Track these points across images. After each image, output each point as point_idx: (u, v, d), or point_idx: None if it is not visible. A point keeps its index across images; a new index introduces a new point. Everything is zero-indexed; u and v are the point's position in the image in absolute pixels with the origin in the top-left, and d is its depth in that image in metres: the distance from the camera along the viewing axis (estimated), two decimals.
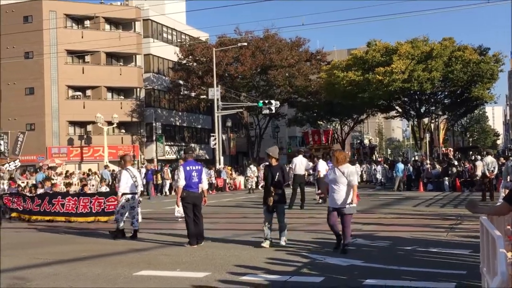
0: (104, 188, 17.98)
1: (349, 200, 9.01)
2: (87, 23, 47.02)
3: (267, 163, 10.26)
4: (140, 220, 12.45)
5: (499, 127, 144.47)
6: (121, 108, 46.42)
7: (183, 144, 51.16)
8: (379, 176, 33.30)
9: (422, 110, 46.06)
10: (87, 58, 46.58)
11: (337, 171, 9.18)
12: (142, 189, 12.84)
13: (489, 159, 20.15)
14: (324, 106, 50.71)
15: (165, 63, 51.71)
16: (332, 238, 9.45)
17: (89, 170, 35.53)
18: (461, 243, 9.75)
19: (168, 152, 49.52)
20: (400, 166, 29.21)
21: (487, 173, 19.77)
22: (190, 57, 47.67)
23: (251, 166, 34.21)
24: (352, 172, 9.20)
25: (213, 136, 40.59)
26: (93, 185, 27.12)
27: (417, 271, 7.43)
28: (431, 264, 7.89)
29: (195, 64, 47.51)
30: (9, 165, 32.68)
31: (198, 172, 10.55)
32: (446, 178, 27.94)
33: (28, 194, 17.70)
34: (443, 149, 51.47)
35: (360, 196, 23.58)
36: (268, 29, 48.15)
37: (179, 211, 14.88)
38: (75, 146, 44.95)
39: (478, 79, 40.73)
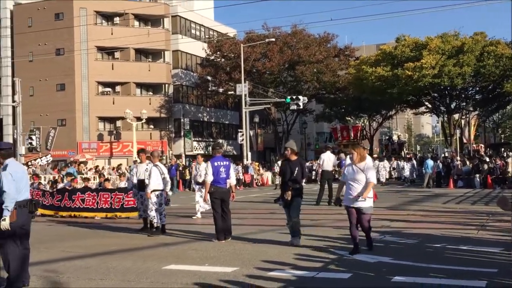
0: (123, 184, 17.54)
1: (370, 203, 8.59)
2: (116, 19, 47.54)
3: (285, 158, 9.87)
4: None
5: None
6: (150, 104, 46.85)
7: (211, 139, 51.39)
8: (407, 173, 32.96)
9: (453, 106, 45.36)
10: (117, 54, 47.08)
11: (355, 168, 8.72)
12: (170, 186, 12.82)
13: None
14: (352, 101, 50.35)
15: (193, 59, 51.98)
16: (361, 234, 9.38)
17: (119, 165, 35.94)
18: (492, 241, 9.61)
19: (196, 148, 49.80)
20: (430, 162, 28.87)
21: None
22: (218, 53, 47.81)
23: (279, 162, 34.16)
24: (371, 169, 8.78)
25: (240, 132, 40.67)
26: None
27: (446, 268, 7.35)
28: (461, 262, 7.78)
29: (223, 60, 47.64)
30: (41, 160, 33.31)
31: (226, 168, 10.60)
32: (477, 175, 27.50)
33: (49, 189, 17.95)
34: (474, 145, 50.61)
35: (389, 193, 23.50)
36: (296, 24, 48.04)
37: (200, 207, 14.95)
38: (105, 141, 45.53)
39: (510, 74, 39.92)
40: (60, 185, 17.82)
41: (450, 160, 30.77)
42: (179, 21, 50.12)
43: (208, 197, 10.53)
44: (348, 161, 19.31)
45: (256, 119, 46.44)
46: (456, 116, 47.08)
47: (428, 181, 28.08)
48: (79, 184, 20.10)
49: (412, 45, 41.40)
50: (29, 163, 31.15)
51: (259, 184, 36.11)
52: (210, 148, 47.45)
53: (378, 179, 31.92)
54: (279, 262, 7.98)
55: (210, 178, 10.41)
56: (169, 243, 10.36)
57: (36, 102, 44.06)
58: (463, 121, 47.04)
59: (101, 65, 45.87)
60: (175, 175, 30.00)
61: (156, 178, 11.69)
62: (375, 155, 44.10)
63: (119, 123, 46.02)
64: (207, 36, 52.83)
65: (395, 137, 76.60)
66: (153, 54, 49.17)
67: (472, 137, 49.77)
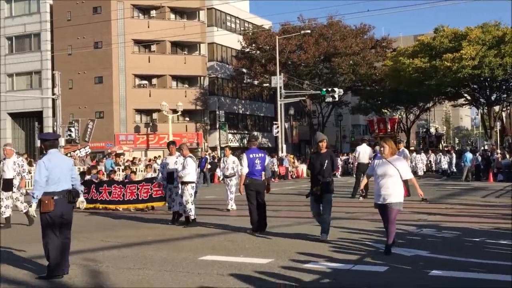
0: (150, 175, 17.34)
1: (400, 199, 8.04)
2: (153, 13, 47.98)
3: (315, 151, 9.60)
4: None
5: None
6: (186, 96, 47.18)
7: (246, 132, 51.52)
8: (445, 166, 32.42)
9: (493, 97, 44.35)
10: (153, 47, 47.53)
11: (385, 163, 8.12)
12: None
13: None
14: (389, 93, 49.71)
15: (228, 52, 52.11)
16: (398, 228, 9.26)
17: (155, 157, 36.40)
18: None
19: (231, 140, 49.99)
20: (469, 155, 28.33)
21: None
22: (253, 45, 47.80)
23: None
24: (405, 164, 8.28)
25: (275, 124, 40.65)
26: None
27: (486, 263, 7.21)
28: (501, 257, 7.63)
29: (258, 52, 47.61)
30: (80, 152, 34.01)
31: (261, 160, 10.60)
32: None
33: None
34: None
35: (426, 186, 23.17)
36: (332, 16, 47.66)
37: (231, 199, 14.94)
38: (142, 133, 46.12)
39: None
40: (87, 177, 17.94)
41: (490, 153, 30.13)
42: (214, 14, 50.28)
43: (243, 189, 10.58)
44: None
45: (291, 111, 46.33)
46: (497, 108, 46.04)
47: (467, 174, 27.58)
48: (104, 176, 20.41)
49: (451, 35, 40.61)
50: (68, 155, 31.82)
51: (294, 176, 36.09)
52: (245, 140, 47.66)
53: (415, 172, 31.66)
54: (314, 254, 7.96)
55: (245, 170, 10.44)
56: (204, 234, 10.45)
57: (75, 94, 44.90)
58: (504, 113, 45.97)
59: (137, 58, 46.40)
60: (203, 167, 30.19)
61: (193, 170, 11.78)
62: (412, 148, 43.53)
63: (155, 116, 46.51)
64: (242, 29, 52.85)
65: (432, 130, 75.34)
66: (189, 47, 49.47)
67: None
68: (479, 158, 29.11)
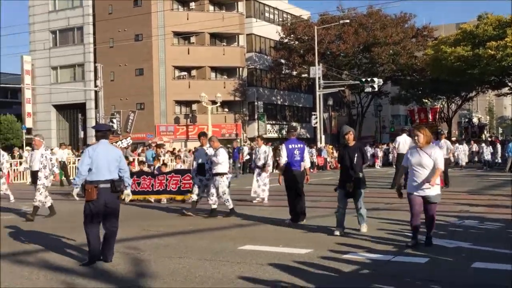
0: (180, 166, 16.95)
1: (438, 191, 7.71)
2: (192, 5, 48.29)
3: (343, 144, 9.19)
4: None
5: None
6: (224, 87, 47.42)
7: (284, 122, 51.47)
8: (487, 156, 31.70)
9: None
10: (192, 39, 47.89)
11: (420, 152, 7.76)
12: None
13: None
14: (430, 83, 48.83)
15: (267, 43, 52.05)
16: (437, 218, 9.11)
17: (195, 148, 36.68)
18: None
19: (270, 131, 50.07)
20: None
21: None
22: (292, 35, 47.62)
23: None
24: (439, 153, 7.81)
25: (314, 114, 40.49)
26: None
27: None
28: None
29: (296, 42, 47.41)
30: (122, 143, 34.57)
31: (300, 151, 10.61)
32: None
33: None
34: None
35: (468, 177, 22.73)
36: (372, 5, 47.07)
37: (261, 191, 14.58)
38: (181, 124, 46.60)
39: None
40: None
41: None
42: (253, 5, 50.26)
43: (282, 179, 10.61)
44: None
45: (330, 102, 46.06)
46: None
47: (511, 165, 26.88)
48: (135, 167, 20.52)
49: (495, 23, 39.60)
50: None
51: (333, 167, 35.86)
52: (284, 131, 47.65)
53: (456, 163, 31.08)
54: (354, 245, 7.94)
55: (284, 161, 10.47)
56: (243, 224, 10.54)
57: (117, 86, 45.67)
58: None
59: (177, 50, 46.83)
60: (237, 159, 30.27)
61: (226, 160, 11.76)
62: (453, 138, 42.72)
63: (194, 107, 46.91)
64: (280, 19, 52.69)
65: (475, 120, 73.71)
66: (228, 38, 49.63)
67: None
68: None
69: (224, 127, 47.17)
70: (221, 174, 11.62)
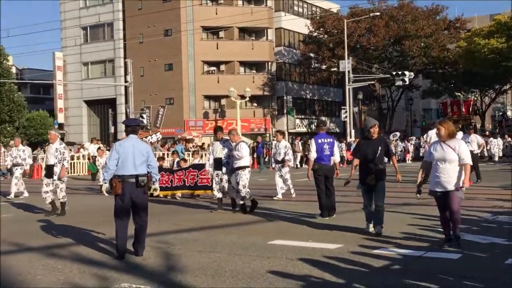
0: (197, 161, 16.58)
1: (459, 184, 7.28)
2: None
3: (365, 136, 8.75)
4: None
5: None
6: (253, 82, 47.42)
7: (314, 117, 51.24)
8: None
9: None
10: (221, 33, 47.99)
11: (444, 147, 7.36)
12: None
13: None
14: (462, 76, 48.03)
15: (295, 36, 51.83)
16: (470, 214, 9.01)
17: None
18: None
19: (299, 125, 49.94)
20: None
21: None
22: (321, 29, 47.33)
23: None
24: (464, 147, 7.38)
25: (344, 109, 40.21)
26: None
27: None
28: None
29: (326, 36, 47.12)
30: (151, 137, 34.91)
31: (330, 145, 10.54)
32: None
33: None
34: None
35: (502, 171, 22.26)
36: None
37: (280, 188, 14.41)
38: (210, 119, 46.81)
39: None
40: None
41: None
42: None
43: (311, 174, 10.56)
44: (458, 136, 18.58)
45: (360, 96, 45.67)
46: None
47: None
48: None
49: None
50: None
51: None
52: (313, 126, 47.45)
53: (490, 157, 30.51)
54: (384, 241, 7.86)
55: (314, 155, 10.41)
56: (273, 219, 10.52)
57: (146, 82, 46.10)
58: None
59: (206, 44, 47.00)
60: (261, 153, 30.25)
61: (248, 155, 11.68)
62: (487, 132, 41.95)
63: (223, 101, 47.07)
64: (309, 13, 52.40)
65: (509, 113, 72.20)
66: (256, 33, 49.59)
67: None
68: None
69: (253, 122, 47.23)
70: (243, 168, 11.52)
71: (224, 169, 11.66)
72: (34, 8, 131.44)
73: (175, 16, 45.51)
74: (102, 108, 51.41)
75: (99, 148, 18.70)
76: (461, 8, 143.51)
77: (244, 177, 11.47)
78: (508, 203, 11.77)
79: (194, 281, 5.94)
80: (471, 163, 7.44)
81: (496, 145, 31.14)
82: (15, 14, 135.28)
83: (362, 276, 6.05)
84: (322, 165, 10.41)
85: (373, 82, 44.59)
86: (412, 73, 39.57)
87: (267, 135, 45.17)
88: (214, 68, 47.96)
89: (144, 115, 40.52)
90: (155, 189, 7.70)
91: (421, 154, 32.80)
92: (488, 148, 28.99)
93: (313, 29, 47.85)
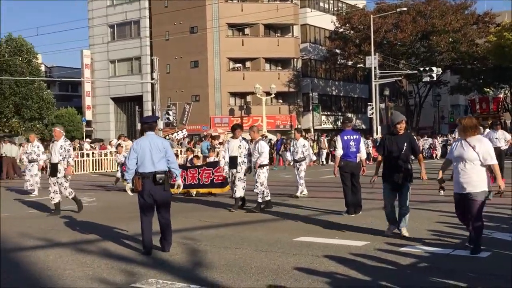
0: (213, 159, 16.25)
1: (483, 187, 6.68)
2: None
3: (390, 132, 8.36)
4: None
5: None
6: (279, 78, 47.34)
7: (339, 113, 50.96)
8: None
9: None
10: (247, 30, 48.01)
11: (464, 145, 6.83)
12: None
13: None
14: (492, 71, 47.15)
15: (321, 33, 51.57)
16: (499, 212, 8.86)
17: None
18: None
19: (325, 122, 49.72)
20: None
21: None
22: (347, 25, 47.01)
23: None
24: (487, 147, 6.76)
25: (370, 105, 39.89)
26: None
27: None
28: None
29: (352, 32, 46.79)
30: (178, 134, 35.18)
31: (356, 142, 10.49)
32: None
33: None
34: None
35: None
36: None
37: (302, 184, 14.18)
38: (236, 116, 46.88)
39: None
40: None
41: None
42: None
43: (337, 171, 10.52)
44: (486, 134, 18.24)
45: (386, 92, 45.22)
46: None
47: None
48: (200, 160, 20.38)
49: None
50: (167, 137, 33.04)
51: None
52: (339, 122, 47.19)
53: None
54: (412, 238, 7.79)
55: (340, 152, 10.38)
56: (298, 216, 10.50)
57: (172, 79, 46.40)
58: None
59: (231, 41, 47.07)
60: (280, 150, 30.15)
61: (267, 153, 11.56)
62: None
63: (249, 98, 47.08)
64: (335, 9, 52.09)
65: None
66: (282, 29, 49.46)
67: None
68: None
69: (279, 119, 47.17)
70: (261, 166, 11.46)
71: (238, 167, 11.43)
72: (63, 7, 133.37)
73: (201, 13, 45.68)
74: (129, 105, 51.93)
75: (118, 144, 18.85)
76: (490, 2, 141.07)
77: (262, 176, 11.40)
78: None
79: (220, 277, 5.97)
80: (496, 162, 6.81)
81: None
82: (44, 13, 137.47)
83: (388, 273, 6.01)
84: (348, 162, 10.38)
85: (400, 78, 44.14)
86: (439, 69, 39.04)
87: (293, 132, 45.07)
88: (240, 65, 48.01)
89: (170, 112, 40.79)
90: (178, 185, 7.74)
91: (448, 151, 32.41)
92: None
93: (339, 25, 47.56)
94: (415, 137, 9.44)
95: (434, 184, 9.51)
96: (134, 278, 6.05)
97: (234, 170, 11.48)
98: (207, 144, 26.93)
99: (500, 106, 45.01)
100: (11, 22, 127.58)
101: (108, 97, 52.15)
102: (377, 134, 37.59)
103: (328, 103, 51.89)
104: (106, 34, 52.11)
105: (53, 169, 11.52)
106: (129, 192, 7.70)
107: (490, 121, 38.12)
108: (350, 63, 47.54)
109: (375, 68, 38.73)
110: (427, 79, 38.58)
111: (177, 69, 46.87)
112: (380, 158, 8.51)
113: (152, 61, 43.12)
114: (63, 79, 51.21)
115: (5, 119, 45.15)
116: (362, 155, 10.69)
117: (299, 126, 45.65)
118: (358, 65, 45.75)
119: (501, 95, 51.85)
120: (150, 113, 44.05)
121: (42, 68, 53.22)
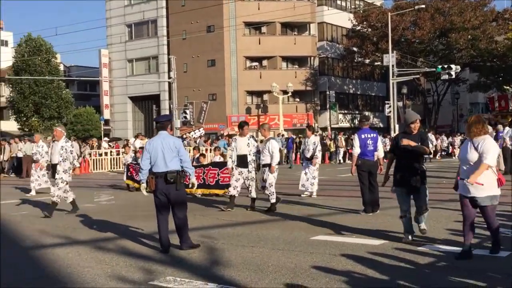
0: (218, 158, 15.73)
1: (488, 192, 6.39)
2: None
3: (404, 131, 7.91)
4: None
5: None
6: (296, 77, 47.24)
7: (357, 112, 50.73)
8: None
9: None
10: (263, 29, 47.99)
11: (469, 145, 6.45)
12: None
13: None
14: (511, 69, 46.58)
15: (338, 31, 51.36)
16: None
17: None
18: None
19: (342, 120, 49.52)
20: None
21: None
22: (365, 23, 46.74)
23: (429, 134, 32.83)
24: (489, 146, 6.33)
25: (387, 103, 39.63)
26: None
27: None
28: None
29: (369, 30, 46.51)
30: (195, 133, 35.29)
31: (374, 140, 10.44)
32: None
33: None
34: None
35: None
36: None
37: (310, 185, 13.67)
38: (253, 114, 46.88)
39: None
40: None
41: None
42: None
43: (355, 170, 10.48)
44: (506, 132, 18.04)
45: (404, 90, 44.86)
46: None
47: None
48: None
49: None
50: (184, 136, 33.20)
51: None
52: (356, 121, 46.97)
53: None
54: (430, 237, 7.73)
55: (357, 151, 10.35)
56: (315, 214, 10.49)
57: (189, 78, 46.55)
58: None
59: (248, 40, 47.08)
60: (291, 149, 29.97)
61: (277, 152, 11.27)
62: None
63: (265, 97, 47.06)
64: (353, 7, 51.83)
65: None
66: (299, 27, 49.35)
67: None
68: None
69: (296, 117, 47.09)
70: (271, 165, 11.10)
71: (250, 166, 11.16)
72: (81, 7, 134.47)
73: (218, 12, 45.75)
74: (146, 104, 52.24)
75: (125, 145, 18.89)
76: None
77: (271, 176, 11.09)
78: None
79: (237, 275, 5.98)
80: (490, 164, 6.32)
81: None
82: (63, 13, 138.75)
83: (406, 273, 5.98)
84: (366, 161, 10.33)
85: (418, 76, 43.76)
86: (458, 67, 38.64)
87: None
88: (257, 63, 48.00)
89: (187, 111, 40.93)
90: (192, 184, 7.78)
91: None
92: None
93: (356, 23, 47.32)
94: (427, 135, 9.11)
95: (453, 183, 9.40)
96: (152, 275, 6.09)
97: (246, 170, 11.16)
98: (223, 143, 27.02)
99: None
100: (30, 22, 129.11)
101: (126, 96, 52.51)
102: (394, 132, 37.35)
103: (345, 102, 51.67)
104: (124, 34, 52.45)
105: (54, 170, 11.37)
106: (144, 192, 7.75)
107: (510, 119, 37.69)
108: (367, 61, 47.29)
109: (392, 66, 38.46)
110: (445, 77, 38.22)
111: (194, 68, 47.01)
112: (392, 158, 8.10)
113: (169, 60, 43.32)
114: (81, 78, 51.59)
115: (24, 118, 45.73)
116: (380, 153, 10.62)
117: (316, 124, 45.61)
118: (376, 63, 45.48)
119: None
120: (167, 112, 44.23)
121: (61, 67, 53.71)
